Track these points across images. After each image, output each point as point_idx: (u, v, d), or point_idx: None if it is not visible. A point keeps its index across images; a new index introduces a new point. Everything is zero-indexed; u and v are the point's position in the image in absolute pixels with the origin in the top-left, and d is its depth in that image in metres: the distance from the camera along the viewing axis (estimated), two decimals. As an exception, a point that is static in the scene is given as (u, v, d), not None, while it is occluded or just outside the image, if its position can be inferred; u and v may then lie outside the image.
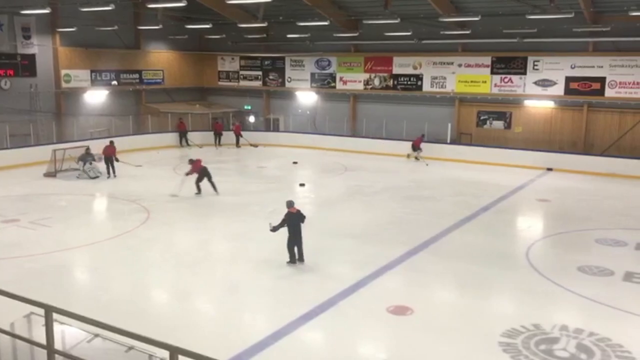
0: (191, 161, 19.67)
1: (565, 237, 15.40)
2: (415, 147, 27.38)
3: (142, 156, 27.00)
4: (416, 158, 27.28)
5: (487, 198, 19.52)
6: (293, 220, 12.31)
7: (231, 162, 27.75)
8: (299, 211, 12.47)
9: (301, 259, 12.49)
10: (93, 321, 4.75)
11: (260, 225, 14.20)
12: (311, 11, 28.27)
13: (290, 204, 12.48)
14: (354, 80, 32.29)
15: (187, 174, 19.32)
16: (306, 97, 34.28)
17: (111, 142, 23.37)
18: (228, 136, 31.81)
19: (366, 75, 31.84)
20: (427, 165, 26.05)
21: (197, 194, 19.27)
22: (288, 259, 12.38)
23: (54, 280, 11.50)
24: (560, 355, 8.59)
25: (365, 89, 32.01)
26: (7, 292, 5.30)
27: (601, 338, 9.07)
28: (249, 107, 36.36)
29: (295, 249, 12.41)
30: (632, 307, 10.39)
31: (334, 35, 30.05)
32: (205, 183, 19.35)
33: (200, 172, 19.28)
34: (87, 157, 22.17)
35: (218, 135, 31.65)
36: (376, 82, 31.57)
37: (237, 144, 31.45)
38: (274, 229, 12.30)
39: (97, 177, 22.02)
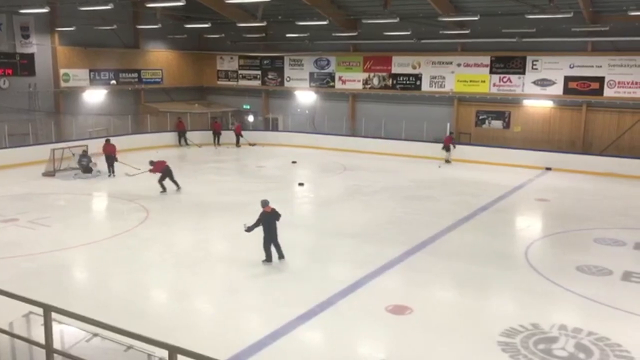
0: (152, 163, 19.80)
1: (564, 236, 15.41)
2: (447, 147, 26.69)
3: (141, 156, 26.95)
4: (447, 161, 26.58)
5: (486, 198, 19.53)
6: (268, 220, 12.32)
7: (230, 161, 27.76)
8: (273, 210, 12.48)
9: (281, 256, 12.52)
10: (92, 320, 4.75)
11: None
12: (310, 10, 28.26)
13: (264, 203, 12.49)
14: (352, 79, 32.28)
15: (150, 171, 19.61)
16: (305, 97, 34.27)
17: (107, 141, 23.36)
18: (227, 136, 31.83)
19: (365, 75, 31.84)
20: (439, 167, 25.76)
21: (162, 192, 19.37)
22: (264, 258, 12.40)
23: (52, 280, 11.50)
24: (559, 354, 8.60)
25: (364, 88, 32.01)
26: (6, 291, 5.29)
27: (600, 337, 9.08)
28: (248, 107, 36.36)
29: (273, 247, 12.44)
30: (630, 307, 10.40)
31: (333, 34, 30.03)
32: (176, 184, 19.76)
33: (164, 171, 19.48)
34: (83, 157, 22.29)
35: (217, 134, 31.68)
36: (375, 81, 31.57)
37: (237, 144, 31.48)
38: (249, 229, 12.30)
39: (91, 171, 22.09)
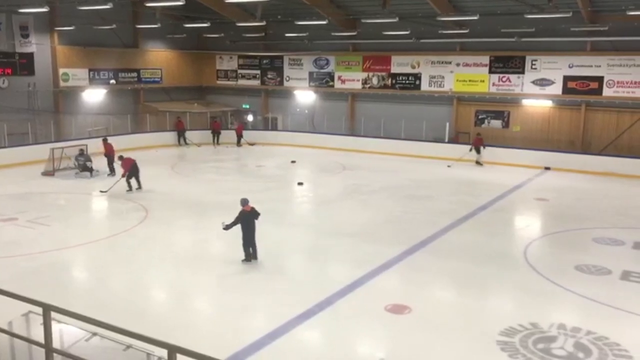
0: (121, 157, 19.83)
1: (562, 236, 15.42)
2: (478, 149, 25.85)
3: (140, 155, 26.94)
4: (478, 162, 25.85)
5: (485, 197, 19.53)
6: (247, 218, 12.31)
7: (230, 161, 27.76)
8: (253, 209, 12.48)
9: (255, 256, 12.49)
10: (91, 320, 4.76)
11: (259, 225, 14.20)
12: (310, 10, 28.25)
13: (244, 202, 12.49)
14: (352, 79, 32.28)
15: (123, 175, 19.42)
16: (304, 96, 34.27)
17: (104, 140, 23.33)
18: (227, 135, 31.82)
19: (364, 75, 31.84)
20: (449, 166, 25.44)
21: (128, 191, 19.33)
22: (243, 257, 12.39)
23: (52, 279, 11.51)
24: (558, 354, 8.61)
25: (363, 88, 32.01)
26: (5, 290, 5.30)
27: (599, 337, 9.09)
28: (247, 106, 36.34)
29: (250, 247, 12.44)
30: (629, 306, 10.41)
31: (333, 34, 30.02)
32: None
33: (131, 169, 19.46)
34: (79, 157, 22.32)
35: (216, 134, 31.68)
36: (374, 81, 31.57)
37: (239, 143, 31.52)
38: (227, 227, 12.27)
39: (90, 170, 22.11)
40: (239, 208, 12.58)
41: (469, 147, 26.17)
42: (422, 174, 23.86)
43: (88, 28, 28.15)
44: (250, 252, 12.43)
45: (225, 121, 34.89)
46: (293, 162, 26.64)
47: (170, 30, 32.95)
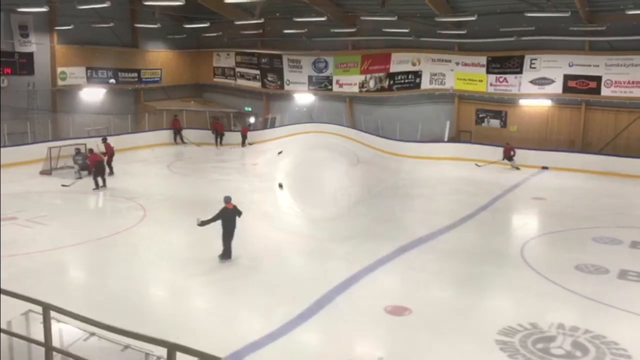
0: (91, 151, 20.08)
1: (561, 235, 15.43)
2: (509, 157, 25.45)
3: (137, 154, 27.00)
4: (512, 167, 25.38)
5: (483, 196, 19.53)
6: (228, 216, 12.28)
7: (231, 160, 27.73)
8: (235, 207, 12.45)
9: (229, 256, 12.46)
10: (90, 320, 4.77)
11: (257, 224, 14.25)
12: (308, 8, 28.11)
13: (227, 199, 12.47)
14: (349, 82, 32.14)
15: (90, 173, 19.67)
16: (304, 99, 34.26)
17: (104, 140, 23.32)
18: (230, 136, 31.75)
19: (362, 77, 31.60)
20: (478, 166, 25.37)
21: (94, 189, 19.37)
22: (220, 254, 12.36)
23: (51, 278, 11.49)
24: (556, 352, 8.62)
25: (360, 91, 31.90)
26: (5, 290, 5.31)
27: (596, 335, 9.09)
28: (249, 109, 36.22)
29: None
30: (627, 305, 10.42)
31: (332, 31, 29.74)
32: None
33: (97, 166, 19.52)
34: (76, 156, 22.30)
35: (220, 135, 31.56)
36: (371, 84, 31.40)
37: (243, 144, 31.48)
38: (202, 223, 12.22)
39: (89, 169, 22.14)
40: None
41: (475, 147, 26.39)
42: (420, 173, 23.86)
43: (87, 26, 28.04)
44: (229, 249, 12.40)
45: (228, 123, 34.64)
46: (280, 153, 26.39)
47: (169, 31, 32.86)
